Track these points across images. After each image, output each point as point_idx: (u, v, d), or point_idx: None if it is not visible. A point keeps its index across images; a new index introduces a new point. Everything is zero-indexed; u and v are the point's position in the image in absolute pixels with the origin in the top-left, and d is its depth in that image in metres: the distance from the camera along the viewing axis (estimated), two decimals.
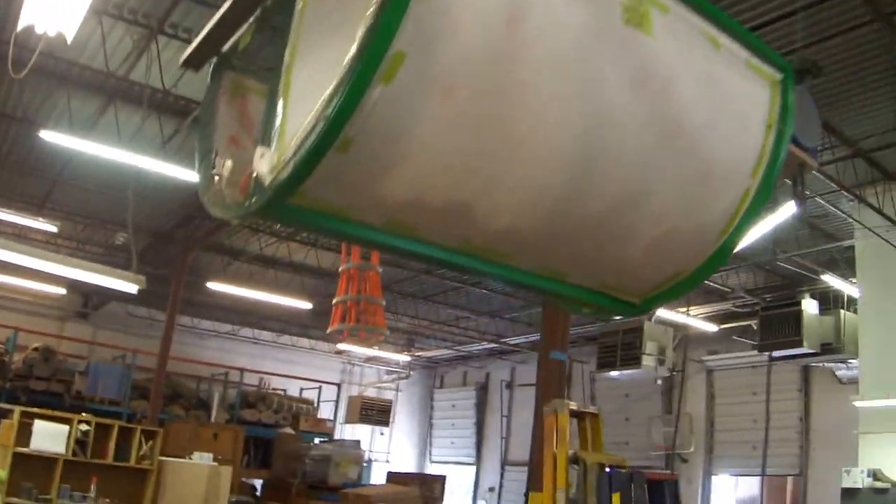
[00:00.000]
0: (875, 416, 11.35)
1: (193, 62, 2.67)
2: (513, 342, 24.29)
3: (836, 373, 16.77)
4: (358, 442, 19.63)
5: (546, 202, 2.19)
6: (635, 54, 2.14)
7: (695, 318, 18.39)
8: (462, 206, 2.10)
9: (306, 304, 19.30)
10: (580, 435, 8.33)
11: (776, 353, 15.73)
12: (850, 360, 14.93)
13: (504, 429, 26.49)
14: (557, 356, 9.34)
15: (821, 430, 17.52)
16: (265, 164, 1.95)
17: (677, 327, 18.10)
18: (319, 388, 23.67)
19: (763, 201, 2.53)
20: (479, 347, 26.26)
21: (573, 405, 8.11)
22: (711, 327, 18.77)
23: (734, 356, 19.74)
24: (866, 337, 12.30)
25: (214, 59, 2.69)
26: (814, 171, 4.75)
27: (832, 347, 14.74)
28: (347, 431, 24.31)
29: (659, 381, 20.46)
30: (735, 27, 2.43)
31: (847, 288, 14.50)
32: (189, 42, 9.68)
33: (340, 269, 11.30)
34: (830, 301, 15.30)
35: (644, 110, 2.18)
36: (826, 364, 16.45)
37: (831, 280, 14.42)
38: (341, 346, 22.27)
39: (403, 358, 26.71)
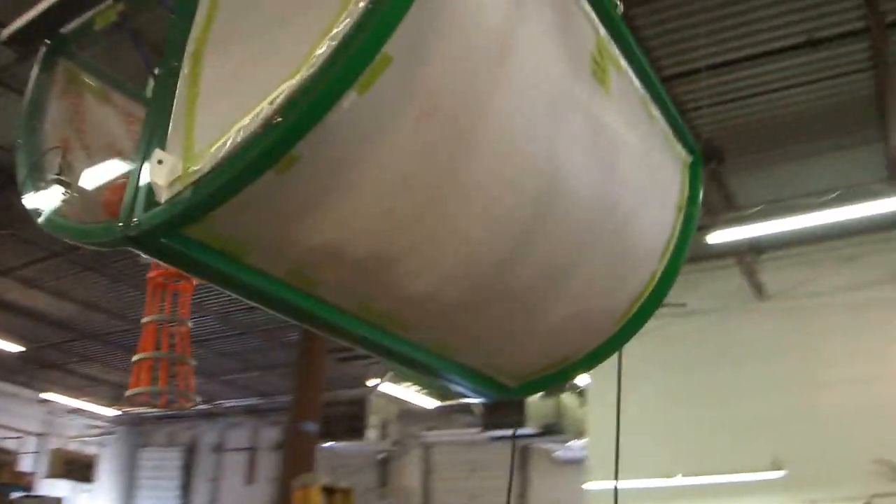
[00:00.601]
0: (601, 496, 11.81)
1: (19, 39, 2.07)
2: (225, 405, 23.28)
3: (555, 454, 17.40)
4: (59, 499, 18.44)
5: (478, 268, 1.88)
6: (596, 112, 1.94)
7: (416, 393, 18.41)
8: (385, 261, 1.74)
9: (16, 347, 17.56)
10: None
11: (497, 433, 16.08)
12: (569, 442, 15.51)
13: (212, 493, 25.41)
14: (309, 428, 8.86)
15: None
16: (163, 175, 1.46)
17: (399, 401, 18.06)
18: (20, 438, 21.82)
19: (668, 286, 2.39)
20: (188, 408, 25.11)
21: (325, 480, 7.72)
22: (433, 403, 18.88)
23: (453, 433, 20.02)
24: (593, 423, 12.81)
25: (48, 42, 2.12)
26: None
27: (552, 429, 15.27)
28: (49, 486, 22.37)
29: (379, 456, 20.39)
30: (664, 99, 2.29)
31: None
32: None
33: (145, 321, 9.74)
34: None
35: (593, 179, 1.97)
36: (545, 445, 17.02)
37: None
38: (46, 396, 20.33)
39: (110, 412, 24.91)
